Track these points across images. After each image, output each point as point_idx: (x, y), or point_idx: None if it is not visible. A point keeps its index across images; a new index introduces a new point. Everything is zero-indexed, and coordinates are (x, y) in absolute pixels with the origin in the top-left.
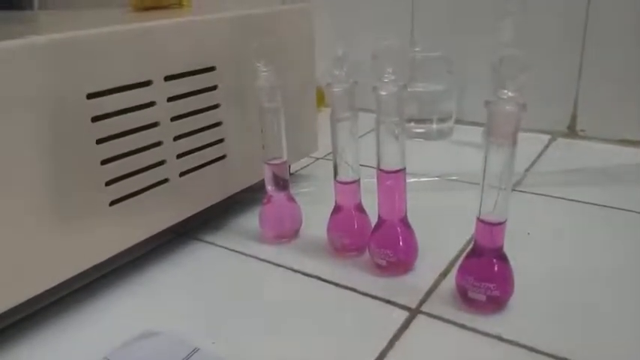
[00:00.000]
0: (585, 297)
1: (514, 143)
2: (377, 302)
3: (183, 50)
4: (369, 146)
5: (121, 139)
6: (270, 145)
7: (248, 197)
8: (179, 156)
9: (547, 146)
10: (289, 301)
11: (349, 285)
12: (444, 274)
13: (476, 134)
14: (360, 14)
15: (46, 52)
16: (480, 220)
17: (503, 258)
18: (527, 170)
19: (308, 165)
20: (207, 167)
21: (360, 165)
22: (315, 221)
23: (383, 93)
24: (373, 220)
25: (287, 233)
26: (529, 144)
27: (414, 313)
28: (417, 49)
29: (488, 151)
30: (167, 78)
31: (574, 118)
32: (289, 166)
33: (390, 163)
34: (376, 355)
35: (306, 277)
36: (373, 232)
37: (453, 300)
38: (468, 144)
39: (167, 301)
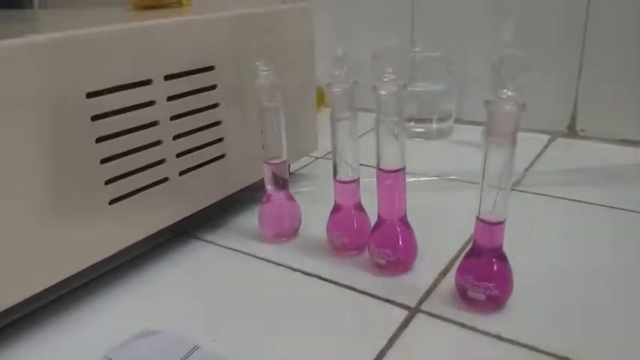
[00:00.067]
0: (585, 296)
1: (514, 143)
2: (376, 301)
3: (183, 49)
4: (369, 146)
5: (121, 138)
6: (269, 144)
7: (247, 196)
8: (178, 155)
9: (547, 146)
10: (289, 300)
11: (349, 284)
12: (443, 274)
13: (475, 134)
14: (360, 14)
15: (46, 51)
16: (479, 220)
17: (502, 257)
18: (526, 170)
19: (307, 164)
20: (207, 166)
21: (360, 164)
22: (315, 220)
23: (383, 92)
24: (373, 219)
25: (286, 232)
26: (529, 144)
27: (413, 312)
28: (417, 49)
29: (488, 151)
30: (167, 77)
31: (574, 117)
32: (289, 166)
33: (390, 162)
34: (376, 353)
35: (305, 276)
36: (373, 232)
37: (452, 299)
38: (467, 143)
39: (166, 300)
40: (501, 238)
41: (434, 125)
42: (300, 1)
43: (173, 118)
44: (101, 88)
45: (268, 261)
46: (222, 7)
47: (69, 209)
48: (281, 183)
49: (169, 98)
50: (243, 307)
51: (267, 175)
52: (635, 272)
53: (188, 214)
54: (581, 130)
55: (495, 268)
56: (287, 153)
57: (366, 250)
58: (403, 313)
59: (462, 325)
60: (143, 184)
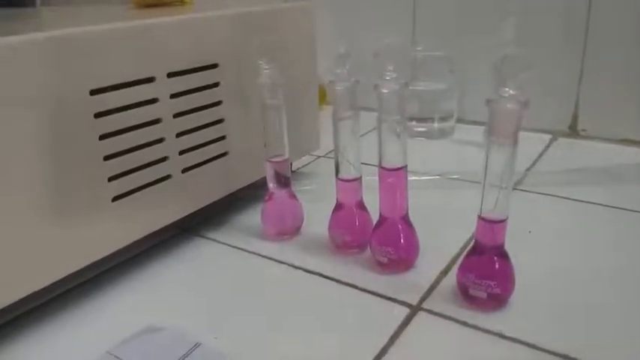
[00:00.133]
0: (586, 295)
1: (515, 142)
2: (378, 299)
3: (186, 47)
4: (371, 144)
5: (124, 136)
6: (272, 142)
7: (250, 194)
8: (181, 152)
9: (548, 146)
10: (290, 298)
11: (350, 282)
12: (445, 272)
13: (477, 133)
14: (361, 13)
15: (49, 49)
16: (481, 218)
17: (504, 256)
18: (528, 170)
19: (309, 163)
20: (210, 164)
21: (362, 163)
22: (317, 218)
23: (384, 91)
24: (374, 217)
25: (288, 230)
26: (530, 143)
27: (415, 310)
28: (418, 48)
29: (490, 150)
30: (170, 75)
31: (575, 117)
32: (291, 164)
33: (392, 160)
34: (377, 351)
35: (307, 274)
36: (374, 230)
37: (454, 297)
38: (469, 143)
39: (169, 297)
40: (503, 237)
41: (435, 125)
42: (301, 0)
43: (176, 115)
44: (104, 85)
45: (270, 259)
46: (223, 6)
47: (72, 206)
48: (283, 181)
49: (172, 96)
50: (245, 304)
51: (269, 173)
52: (637, 272)
53: (190, 212)
54: (583, 130)
55: (497, 266)
56: (289, 151)
57: (368, 248)
58: (405, 311)
59: (464, 323)
60: (146, 182)
